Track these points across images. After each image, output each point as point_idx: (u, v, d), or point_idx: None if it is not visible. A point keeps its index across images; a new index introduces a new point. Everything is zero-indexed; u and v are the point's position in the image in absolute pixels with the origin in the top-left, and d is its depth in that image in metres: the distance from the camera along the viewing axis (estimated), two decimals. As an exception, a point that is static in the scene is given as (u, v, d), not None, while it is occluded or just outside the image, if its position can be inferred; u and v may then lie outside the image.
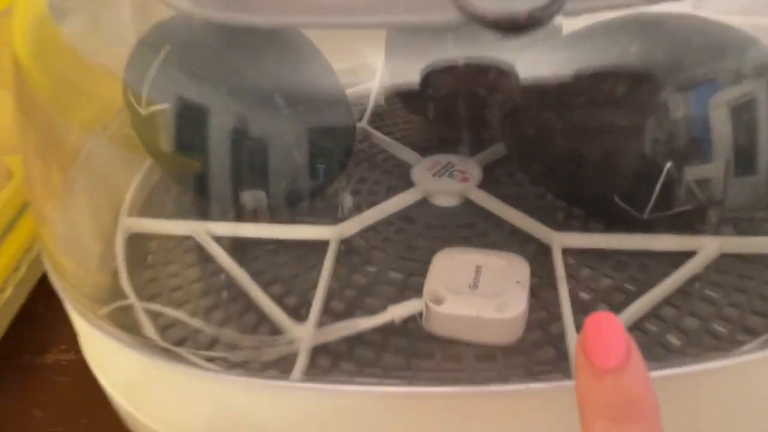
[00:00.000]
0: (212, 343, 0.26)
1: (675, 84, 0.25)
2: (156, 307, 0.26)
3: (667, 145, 0.26)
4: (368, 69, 0.46)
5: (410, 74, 0.33)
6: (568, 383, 0.20)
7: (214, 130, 0.27)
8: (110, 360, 0.25)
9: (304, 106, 0.28)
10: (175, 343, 0.25)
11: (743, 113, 0.25)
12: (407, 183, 0.34)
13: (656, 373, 0.20)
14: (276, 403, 0.21)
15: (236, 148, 0.27)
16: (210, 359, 0.24)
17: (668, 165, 0.25)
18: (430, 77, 0.29)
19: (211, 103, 0.27)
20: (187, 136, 0.28)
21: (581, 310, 0.26)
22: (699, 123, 0.25)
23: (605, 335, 0.16)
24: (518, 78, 0.28)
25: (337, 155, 0.30)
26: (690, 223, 0.29)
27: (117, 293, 0.27)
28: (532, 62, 0.28)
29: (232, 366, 0.23)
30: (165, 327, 0.27)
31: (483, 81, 0.29)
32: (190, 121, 0.27)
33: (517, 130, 0.29)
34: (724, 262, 0.28)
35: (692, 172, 0.26)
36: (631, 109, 0.25)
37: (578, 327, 0.25)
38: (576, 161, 0.27)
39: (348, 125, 0.31)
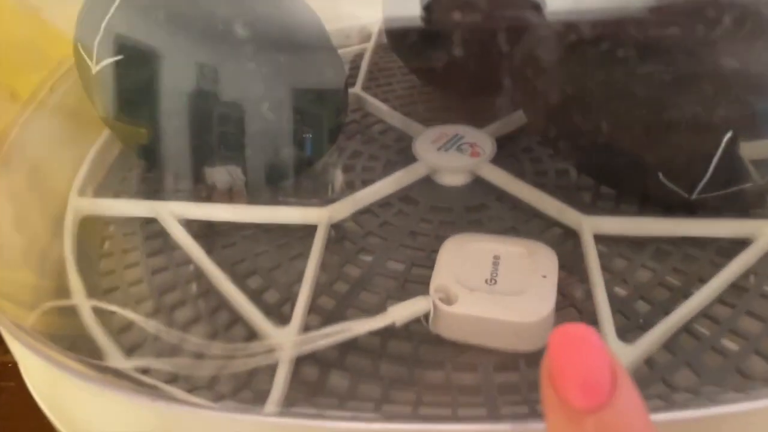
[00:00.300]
0: (174, 351, 0.21)
1: (739, 34, 0.20)
2: (103, 305, 0.22)
3: (726, 111, 0.21)
4: (363, 32, 0.41)
5: (410, 11, 0.28)
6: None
7: (174, 88, 0.22)
8: (37, 374, 0.21)
9: (284, 58, 0.23)
10: (128, 349, 0.21)
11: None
12: (409, 158, 0.29)
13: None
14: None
15: (203, 111, 0.22)
16: (170, 380, 0.19)
17: (727, 136, 0.21)
18: (434, 10, 0.24)
19: (170, 54, 0.22)
20: (144, 96, 0.23)
21: (617, 308, 0.22)
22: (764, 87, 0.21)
23: (581, 359, 0.12)
24: (544, 23, 0.23)
25: (327, 122, 0.25)
26: (741, 206, 0.24)
27: (60, 291, 0.23)
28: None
29: (192, 388, 0.19)
30: (120, 330, 0.22)
31: (501, 20, 0.24)
32: (146, 77, 0.22)
33: (539, 90, 0.24)
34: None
35: (754, 147, 0.22)
36: (684, 63, 0.21)
37: (617, 330, 0.20)
38: (613, 131, 0.23)
39: (338, 83, 0.26)
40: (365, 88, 0.35)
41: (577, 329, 0.12)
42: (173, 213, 0.25)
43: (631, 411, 0.12)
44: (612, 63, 0.22)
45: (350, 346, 0.21)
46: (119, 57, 0.22)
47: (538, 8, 0.22)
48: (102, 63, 0.23)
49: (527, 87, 0.25)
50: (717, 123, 0.21)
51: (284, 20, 0.24)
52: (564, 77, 0.23)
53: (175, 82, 0.22)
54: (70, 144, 0.28)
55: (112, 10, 0.23)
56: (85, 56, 0.24)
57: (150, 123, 0.23)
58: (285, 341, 0.20)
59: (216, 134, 0.23)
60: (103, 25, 0.23)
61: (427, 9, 0.24)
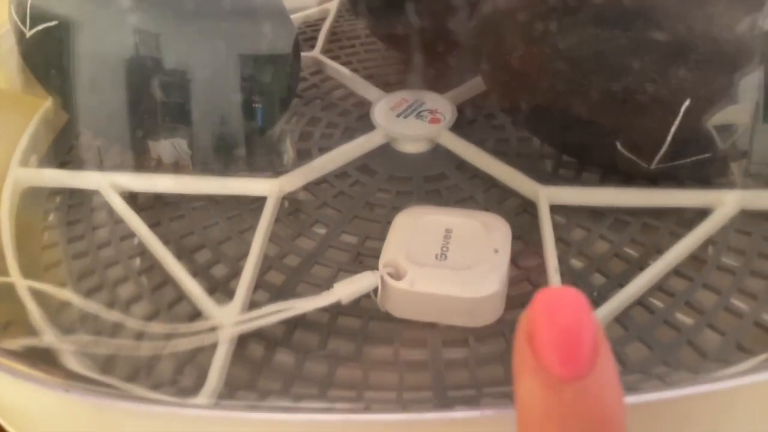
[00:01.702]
0: (115, 331, 0.20)
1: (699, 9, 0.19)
2: (41, 286, 0.21)
3: (683, 80, 0.20)
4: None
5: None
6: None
7: (111, 55, 0.21)
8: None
9: (228, 23, 0.22)
10: (65, 330, 0.20)
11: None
12: (369, 125, 0.28)
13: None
14: None
15: (142, 80, 0.21)
16: (108, 363, 0.18)
17: (685, 104, 0.20)
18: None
19: (105, 18, 0.21)
20: (81, 63, 0.22)
21: (572, 281, 0.22)
22: (723, 54, 0.20)
23: (565, 325, 0.11)
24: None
25: (277, 89, 0.24)
26: (704, 175, 0.24)
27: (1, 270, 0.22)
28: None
29: (131, 372, 0.18)
30: (60, 308, 0.22)
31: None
32: (83, 42, 0.21)
33: (499, 55, 0.23)
34: (745, 221, 0.23)
35: (714, 115, 0.21)
36: (641, 28, 0.20)
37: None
38: (570, 98, 0.22)
39: (287, 47, 0.25)
40: (326, 51, 0.33)
41: (564, 292, 0.11)
42: (115, 185, 0.24)
43: (610, 383, 0.11)
44: (567, 28, 0.21)
45: (298, 322, 0.21)
46: (52, 23, 0.21)
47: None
48: (35, 28, 0.21)
49: (485, 54, 0.24)
50: (675, 91, 0.20)
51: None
52: (520, 44, 0.22)
53: (112, 49, 0.20)
54: (9, 112, 0.26)
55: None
56: (17, 20, 0.23)
57: (87, 95, 0.22)
58: (225, 321, 0.19)
59: (158, 105, 0.22)
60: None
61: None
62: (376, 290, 0.20)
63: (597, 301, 0.21)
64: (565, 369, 0.11)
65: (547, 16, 0.22)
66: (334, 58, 0.33)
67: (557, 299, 0.11)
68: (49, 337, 0.19)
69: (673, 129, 0.20)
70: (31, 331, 0.20)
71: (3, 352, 0.17)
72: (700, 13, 0.19)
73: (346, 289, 0.20)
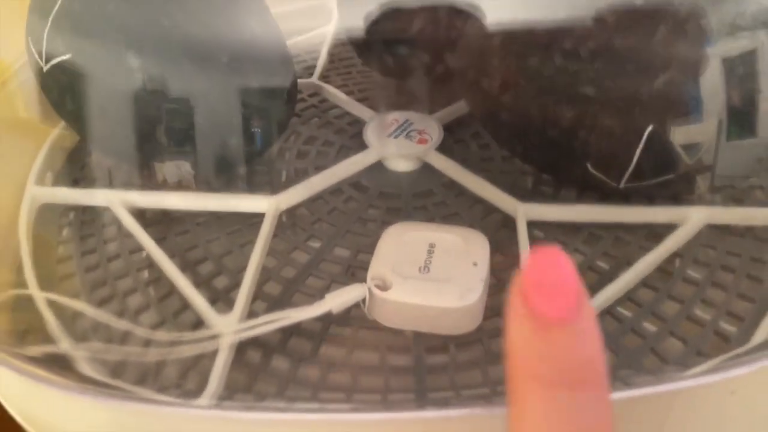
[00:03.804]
0: (124, 338, 0.22)
1: (660, 36, 0.21)
2: (56, 297, 0.23)
3: (649, 104, 0.22)
4: (325, 11, 0.41)
5: (362, 18, 0.29)
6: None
7: (121, 88, 0.23)
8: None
9: (232, 59, 0.24)
10: (79, 338, 0.22)
11: (737, 67, 0.21)
12: (363, 143, 0.30)
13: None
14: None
15: (148, 109, 0.23)
16: (118, 368, 0.20)
17: (650, 128, 0.22)
18: (380, 21, 0.25)
19: (116, 56, 0.23)
20: (94, 95, 0.23)
21: (547, 292, 0.23)
22: (686, 79, 0.22)
23: (553, 277, 0.13)
24: (483, 23, 0.24)
25: (275, 116, 0.26)
26: (673, 192, 0.25)
27: (15, 282, 0.24)
28: (500, 5, 0.24)
29: (139, 376, 0.20)
30: (74, 316, 0.23)
31: (443, 26, 0.25)
32: (96, 76, 0.23)
33: (480, 84, 0.25)
34: (710, 235, 0.25)
35: (677, 135, 0.23)
36: (609, 62, 0.22)
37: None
38: (544, 122, 0.24)
39: (287, 81, 0.27)
40: (323, 77, 0.35)
41: (555, 252, 0.13)
42: (124, 202, 0.26)
43: (591, 330, 0.13)
44: (539, 60, 0.22)
45: (293, 330, 0.23)
46: (67, 56, 0.23)
47: (473, 18, 0.23)
48: (52, 61, 0.23)
49: (467, 81, 0.26)
50: (640, 116, 0.22)
51: (238, 29, 0.24)
52: (497, 73, 0.24)
53: (121, 82, 0.22)
54: (27, 136, 0.28)
55: (56, 7, 0.24)
56: (34, 52, 0.24)
57: (98, 122, 0.24)
58: (226, 329, 0.21)
59: (163, 131, 0.23)
60: (49, 20, 0.23)
61: (373, 26, 0.25)
62: (364, 300, 0.22)
63: (568, 310, 0.22)
64: (556, 312, 0.12)
65: (521, 49, 0.23)
66: (331, 81, 0.35)
67: (548, 257, 0.13)
68: (64, 344, 0.21)
69: (637, 152, 0.22)
70: (47, 339, 0.22)
71: (24, 359, 0.19)
72: (660, 49, 0.21)
73: (337, 300, 0.22)
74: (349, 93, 0.34)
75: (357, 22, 0.29)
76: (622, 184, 0.24)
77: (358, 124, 0.32)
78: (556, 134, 0.23)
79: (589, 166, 0.23)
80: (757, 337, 0.21)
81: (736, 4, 0.21)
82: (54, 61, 0.24)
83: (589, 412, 0.13)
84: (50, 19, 0.24)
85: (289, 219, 0.27)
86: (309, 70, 0.37)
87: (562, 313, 0.12)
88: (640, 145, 0.22)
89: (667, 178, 0.24)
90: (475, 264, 0.22)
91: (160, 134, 0.24)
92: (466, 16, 0.24)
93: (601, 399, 0.13)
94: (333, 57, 0.38)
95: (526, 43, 0.23)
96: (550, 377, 0.13)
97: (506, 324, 0.13)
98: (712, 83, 0.22)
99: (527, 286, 0.13)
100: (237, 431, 0.17)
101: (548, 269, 0.13)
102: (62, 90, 0.25)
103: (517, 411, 0.13)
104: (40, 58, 0.25)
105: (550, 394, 0.13)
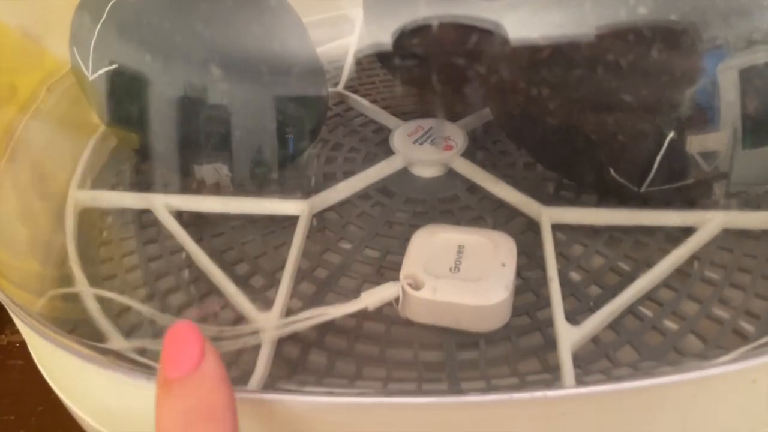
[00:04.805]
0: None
1: (679, 48, 0.22)
2: (104, 293, 0.24)
3: (669, 113, 0.23)
4: (347, 20, 0.43)
5: (389, 33, 0.30)
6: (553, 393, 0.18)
7: (165, 96, 0.24)
8: (45, 355, 0.23)
9: (270, 71, 0.25)
10: (127, 331, 0.23)
11: (753, 80, 0.22)
12: (387, 150, 0.31)
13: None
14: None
15: (190, 116, 0.24)
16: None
17: (670, 136, 0.23)
18: (406, 37, 0.26)
19: (161, 66, 0.24)
20: (137, 104, 0.25)
21: (571, 292, 0.25)
22: (704, 90, 0.23)
23: (180, 344, 0.16)
24: (506, 39, 0.25)
25: (308, 124, 0.28)
26: (690, 197, 0.27)
27: (63, 279, 0.25)
28: (522, 21, 0.25)
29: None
30: (119, 312, 0.24)
31: (467, 41, 0.27)
32: (139, 87, 0.24)
33: (503, 95, 0.26)
34: (727, 239, 0.26)
35: (695, 143, 0.24)
36: (630, 74, 0.23)
37: (567, 312, 0.23)
38: (567, 130, 0.25)
39: (320, 92, 0.28)
40: (348, 86, 0.37)
41: (176, 326, 0.16)
42: (166, 205, 0.27)
43: (209, 375, 0.16)
44: (561, 71, 0.23)
45: (329, 327, 0.24)
46: (114, 66, 0.24)
47: (496, 34, 0.24)
48: (98, 71, 0.24)
49: (492, 90, 0.27)
50: (660, 123, 0.23)
51: (274, 42, 0.26)
52: (521, 83, 0.25)
53: (167, 91, 0.24)
54: (69, 140, 0.30)
55: (103, 16, 0.25)
56: (81, 62, 0.26)
57: (142, 127, 0.25)
58: (267, 325, 0.22)
59: (203, 136, 0.25)
60: (96, 35, 0.25)
61: (398, 41, 0.26)
62: (397, 299, 0.23)
63: (593, 309, 0.23)
64: (170, 371, 0.16)
65: (544, 60, 0.25)
66: (355, 90, 0.36)
67: (172, 332, 0.16)
68: (116, 338, 0.22)
69: (658, 159, 0.23)
70: (95, 331, 0.23)
71: (87, 346, 0.20)
72: (679, 62, 0.22)
73: (372, 298, 0.23)
74: (373, 102, 0.35)
75: (383, 36, 0.30)
76: (642, 189, 0.25)
77: (382, 132, 0.33)
78: (578, 141, 0.24)
79: (611, 171, 0.24)
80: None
81: (752, 20, 0.22)
82: (100, 71, 0.25)
83: None
84: (97, 28, 0.25)
85: (319, 222, 0.28)
86: (333, 80, 0.38)
87: (184, 368, 0.16)
88: (661, 152, 0.23)
89: (685, 184, 0.25)
90: (503, 265, 0.23)
91: (200, 139, 0.25)
92: (491, 33, 0.25)
93: (227, 425, 0.16)
94: (356, 67, 0.39)
95: (549, 56, 0.24)
96: (185, 420, 0.15)
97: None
98: (729, 94, 0.23)
99: (163, 357, 0.16)
100: (284, 415, 0.18)
101: (177, 338, 0.16)
102: (106, 97, 0.26)
103: None
104: (86, 67, 0.26)
105: None
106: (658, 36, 0.22)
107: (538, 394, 0.18)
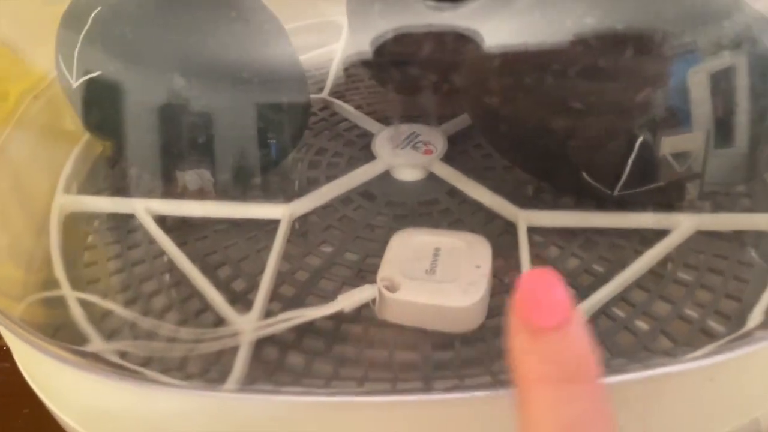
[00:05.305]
0: (150, 335, 0.24)
1: (650, 53, 0.23)
2: (84, 296, 0.24)
3: (638, 116, 0.24)
4: (335, 26, 0.43)
5: (370, 41, 0.30)
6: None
7: (147, 104, 0.24)
8: (26, 358, 0.23)
9: (252, 77, 0.26)
10: (109, 334, 0.23)
11: (722, 83, 0.23)
12: (371, 155, 0.32)
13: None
14: (206, 414, 0.19)
15: (172, 123, 0.25)
16: (145, 363, 0.22)
17: (639, 140, 0.24)
18: (386, 45, 0.27)
19: (143, 73, 0.24)
20: (119, 111, 0.25)
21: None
22: (674, 94, 0.23)
23: (543, 293, 0.15)
24: (482, 45, 0.26)
25: (289, 130, 0.28)
26: (664, 199, 0.27)
27: (47, 284, 0.25)
28: (497, 28, 0.26)
29: (165, 369, 0.22)
30: (102, 316, 0.25)
31: (446, 48, 0.27)
32: (121, 94, 0.25)
33: (481, 100, 0.27)
34: (699, 241, 0.26)
35: (666, 145, 0.24)
36: (601, 78, 0.23)
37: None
38: (541, 134, 0.25)
39: (302, 98, 0.28)
40: (334, 93, 0.37)
41: (543, 272, 0.15)
42: (148, 209, 0.27)
43: (580, 332, 0.15)
44: (535, 76, 0.24)
45: (307, 329, 0.24)
46: (96, 73, 0.25)
47: (473, 41, 0.25)
48: (81, 79, 0.25)
49: (469, 95, 0.28)
50: (630, 126, 0.23)
51: (255, 49, 0.26)
52: (497, 89, 0.25)
53: (148, 98, 0.24)
54: (55, 147, 0.30)
55: (87, 25, 0.26)
56: (65, 70, 0.26)
57: (125, 134, 0.25)
58: (245, 327, 0.23)
59: (185, 142, 0.25)
60: (80, 39, 0.25)
61: (378, 49, 0.27)
62: (374, 301, 0.24)
63: (566, 310, 0.24)
64: (547, 321, 0.15)
65: (517, 68, 0.25)
66: (341, 96, 0.37)
67: (537, 277, 0.15)
68: (96, 341, 0.22)
69: (629, 162, 0.24)
70: (79, 336, 0.23)
71: (63, 349, 0.20)
72: (643, 67, 0.22)
73: (348, 300, 0.23)
74: (357, 107, 0.36)
75: (366, 44, 0.31)
76: (615, 192, 0.25)
77: (366, 137, 0.34)
78: (551, 145, 0.25)
79: (584, 174, 0.25)
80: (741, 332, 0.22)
81: (719, 27, 0.22)
82: (84, 78, 0.26)
83: (589, 401, 0.15)
84: (81, 38, 0.26)
85: (302, 226, 0.29)
86: (319, 85, 0.38)
87: (556, 320, 0.15)
88: (632, 155, 0.24)
89: (658, 186, 0.25)
90: (478, 266, 0.24)
91: (183, 145, 0.25)
92: (468, 40, 0.26)
93: (597, 389, 0.15)
94: (342, 73, 0.40)
95: (522, 62, 0.24)
96: (552, 375, 0.15)
97: (509, 338, 0.15)
98: (698, 97, 0.23)
99: (522, 302, 0.15)
100: (260, 414, 0.19)
101: (540, 286, 0.15)
102: (90, 104, 0.27)
103: (527, 410, 0.15)
104: (70, 74, 0.27)
105: (554, 389, 0.15)
106: (628, 41, 0.23)
107: (503, 391, 0.18)
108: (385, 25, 0.28)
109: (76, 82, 0.26)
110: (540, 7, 0.23)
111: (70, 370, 0.19)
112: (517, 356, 0.15)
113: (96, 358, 0.21)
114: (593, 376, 0.15)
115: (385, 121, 0.34)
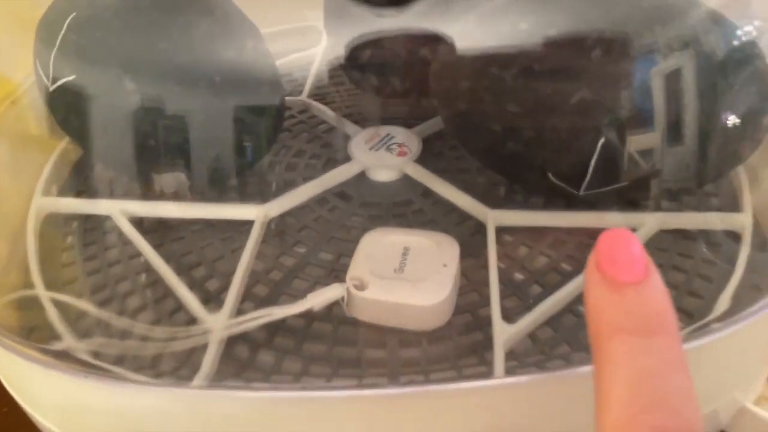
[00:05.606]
0: (123, 335, 0.24)
1: (611, 54, 0.23)
2: (61, 297, 0.25)
3: (600, 117, 0.24)
4: (316, 31, 0.44)
5: (345, 45, 0.31)
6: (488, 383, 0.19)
7: (124, 106, 0.25)
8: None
9: (225, 80, 0.26)
10: (81, 335, 0.24)
11: (670, 85, 0.23)
12: (348, 157, 0.32)
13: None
14: (174, 411, 0.20)
15: (147, 126, 0.25)
16: (117, 362, 0.22)
17: (602, 140, 0.24)
18: (360, 48, 0.28)
19: (118, 77, 0.25)
20: (97, 113, 0.26)
21: (513, 292, 0.25)
22: (635, 94, 0.24)
23: (623, 249, 0.15)
24: (453, 48, 0.26)
25: (264, 132, 0.28)
26: (630, 199, 0.28)
27: (23, 285, 0.26)
28: (466, 31, 0.26)
29: (137, 368, 0.22)
30: (77, 316, 0.25)
31: (416, 52, 0.28)
32: (99, 96, 0.25)
33: (450, 102, 0.27)
34: (664, 239, 0.27)
35: (627, 144, 0.25)
36: (566, 80, 0.24)
37: (504, 311, 0.24)
38: (511, 135, 0.26)
39: (276, 100, 0.29)
40: (314, 95, 0.38)
41: (623, 232, 0.16)
42: (124, 211, 0.28)
43: (660, 286, 0.15)
44: (500, 79, 0.25)
45: (279, 327, 0.25)
46: (72, 78, 0.25)
47: (444, 43, 0.26)
48: (58, 82, 0.25)
49: (441, 99, 0.28)
50: (592, 127, 0.24)
51: (229, 52, 0.27)
52: (465, 92, 0.26)
53: (123, 101, 0.25)
54: (34, 151, 0.30)
55: (62, 30, 0.26)
56: (42, 74, 0.27)
57: (101, 137, 0.26)
58: (215, 325, 0.23)
59: (161, 145, 0.26)
60: (56, 45, 0.26)
61: (352, 53, 0.28)
62: (344, 299, 0.24)
63: (530, 307, 0.24)
64: (628, 275, 0.15)
65: (483, 71, 0.26)
66: (321, 98, 0.37)
67: (618, 235, 0.16)
68: (68, 339, 0.23)
69: (592, 162, 0.24)
70: (53, 335, 0.24)
71: (35, 348, 0.21)
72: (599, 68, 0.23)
73: (317, 299, 0.24)
74: (336, 110, 0.36)
75: (341, 48, 0.31)
76: (581, 192, 0.26)
77: (343, 139, 0.34)
78: (519, 147, 0.25)
79: (550, 175, 0.25)
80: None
81: (669, 29, 0.23)
82: (59, 82, 0.26)
83: (666, 353, 0.15)
84: (56, 44, 0.26)
85: (278, 226, 0.29)
86: (299, 88, 0.39)
87: (637, 274, 0.15)
88: (595, 155, 0.24)
89: (622, 186, 0.26)
90: (444, 265, 0.24)
91: (158, 148, 0.26)
92: (437, 42, 0.26)
93: (675, 342, 0.15)
94: (322, 76, 0.40)
95: (489, 65, 0.25)
96: (631, 327, 0.15)
97: (586, 293, 0.16)
98: (658, 97, 0.24)
99: (603, 257, 0.15)
100: (229, 410, 0.19)
101: (619, 243, 0.15)
102: (67, 108, 0.27)
103: (605, 362, 0.15)
104: (47, 79, 0.27)
105: (632, 341, 0.15)
106: (578, 47, 0.23)
107: (466, 384, 0.19)
108: (357, 28, 0.28)
109: (52, 86, 0.26)
110: (503, 10, 0.24)
111: (40, 369, 0.20)
112: (595, 310, 0.15)
113: (67, 357, 0.22)
114: (671, 330, 0.15)
115: (363, 123, 0.34)
